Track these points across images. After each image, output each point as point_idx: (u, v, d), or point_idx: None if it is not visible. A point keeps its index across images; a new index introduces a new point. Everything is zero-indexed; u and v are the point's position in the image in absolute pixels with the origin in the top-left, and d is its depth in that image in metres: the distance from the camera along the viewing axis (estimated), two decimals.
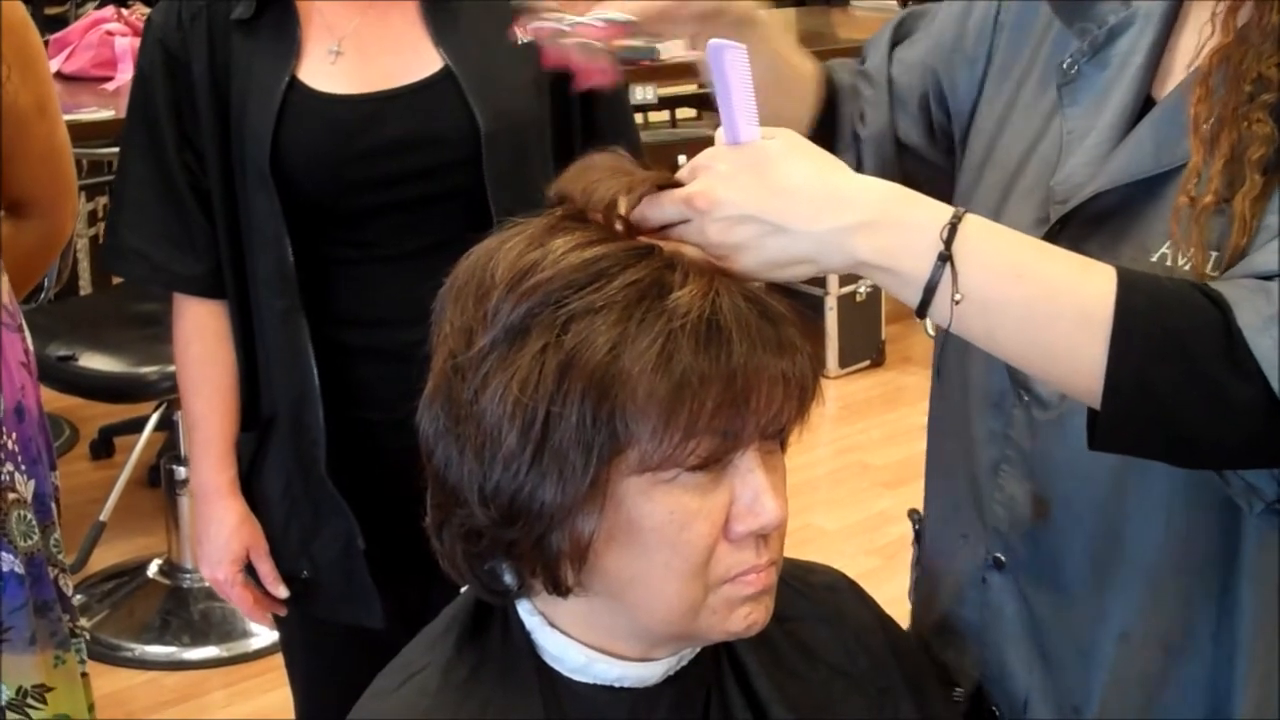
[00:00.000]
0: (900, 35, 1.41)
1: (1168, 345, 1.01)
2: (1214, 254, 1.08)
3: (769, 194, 1.04)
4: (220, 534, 1.84)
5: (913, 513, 1.47)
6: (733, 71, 1.05)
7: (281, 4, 1.72)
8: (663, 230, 1.08)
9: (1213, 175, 1.09)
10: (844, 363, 4.94)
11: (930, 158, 1.38)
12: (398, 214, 1.74)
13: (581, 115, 1.85)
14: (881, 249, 1.03)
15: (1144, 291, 1.03)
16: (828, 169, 1.06)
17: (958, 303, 1.02)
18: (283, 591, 1.85)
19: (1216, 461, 1.09)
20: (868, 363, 5.00)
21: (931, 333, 1.28)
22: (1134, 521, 1.20)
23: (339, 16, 1.74)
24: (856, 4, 6.82)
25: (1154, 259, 1.13)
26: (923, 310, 1.03)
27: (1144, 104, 1.19)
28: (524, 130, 1.76)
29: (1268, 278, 1.03)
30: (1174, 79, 1.19)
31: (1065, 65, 1.24)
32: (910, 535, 1.47)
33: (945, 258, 1.01)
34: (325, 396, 1.75)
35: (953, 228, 1.02)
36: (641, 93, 4.89)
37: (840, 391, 4.79)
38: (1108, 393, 1.02)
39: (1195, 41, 1.17)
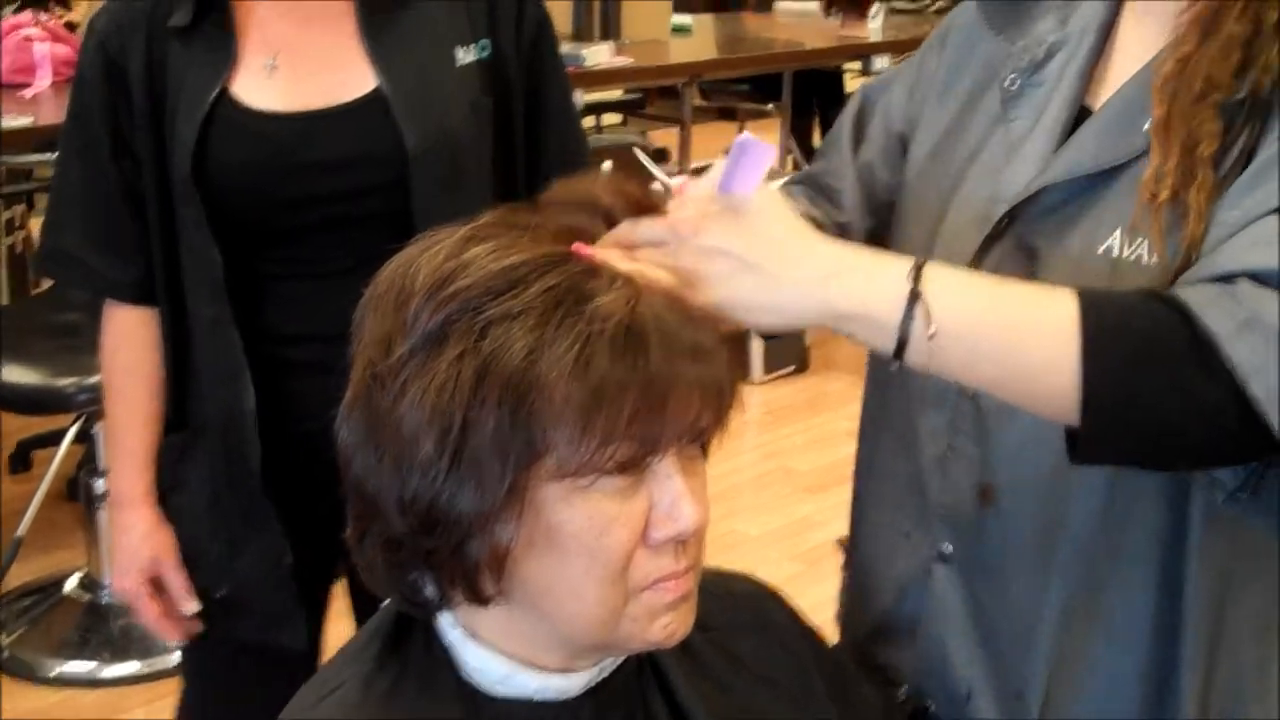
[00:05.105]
0: (860, 130, 1.45)
1: (1138, 353, 1.06)
2: (1164, 242, 1.14)
3: (752, 236, 1.10)
4: (130, 542, 1.81)
5: (841, 542, 1.48)
6: (752, 158, 1.11)
7: (220, 13, 1.69)
8: (630, 250, 1.11)
9: (1168, 171, 1.14)
10: (769, 368, 4.96)
11: None
12: (325, 233, 1.72)
13: (527, 139, 1.82)
14: (853, 295, 1.09)
15: (1107, 305, 1.08)
16: (806, 229, 1.13)
17: (932, 337, 1.06)
18: (191, 606, 1.82)
19: (1192, 463, 1.14)
20: (792, 368, 5.03)
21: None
22: (1075, 503, 1.23)
23: (276, 29, 1.71)
24: (780, 7, 6.88)
25: (1100, 250, 1.18)
26: (900, 351, 1.08)
27: (1078, 111, 1.26)
28: (457, 154, 1.72)
29: (1227, 278, 1.07)
30: (1108, 87, 1.25)
31: (1008, 84, 1.31)
32: (832, 542, 1.48)
33: (916, 295, 1.07)
34: (263, 408, 1.73)
35: (918, 269, 1.08)
36: None
37: (765, 397, 4.81)
38: (1086, 407, 1.06)
39: (1129, 52, 1.24)
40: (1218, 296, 1.06)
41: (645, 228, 1.12)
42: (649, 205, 1.15)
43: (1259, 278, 1.06)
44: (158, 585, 1.83)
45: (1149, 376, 1.05)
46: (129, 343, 1.81)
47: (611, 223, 1.14)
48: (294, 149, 1.69)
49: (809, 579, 3.26)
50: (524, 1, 1.80)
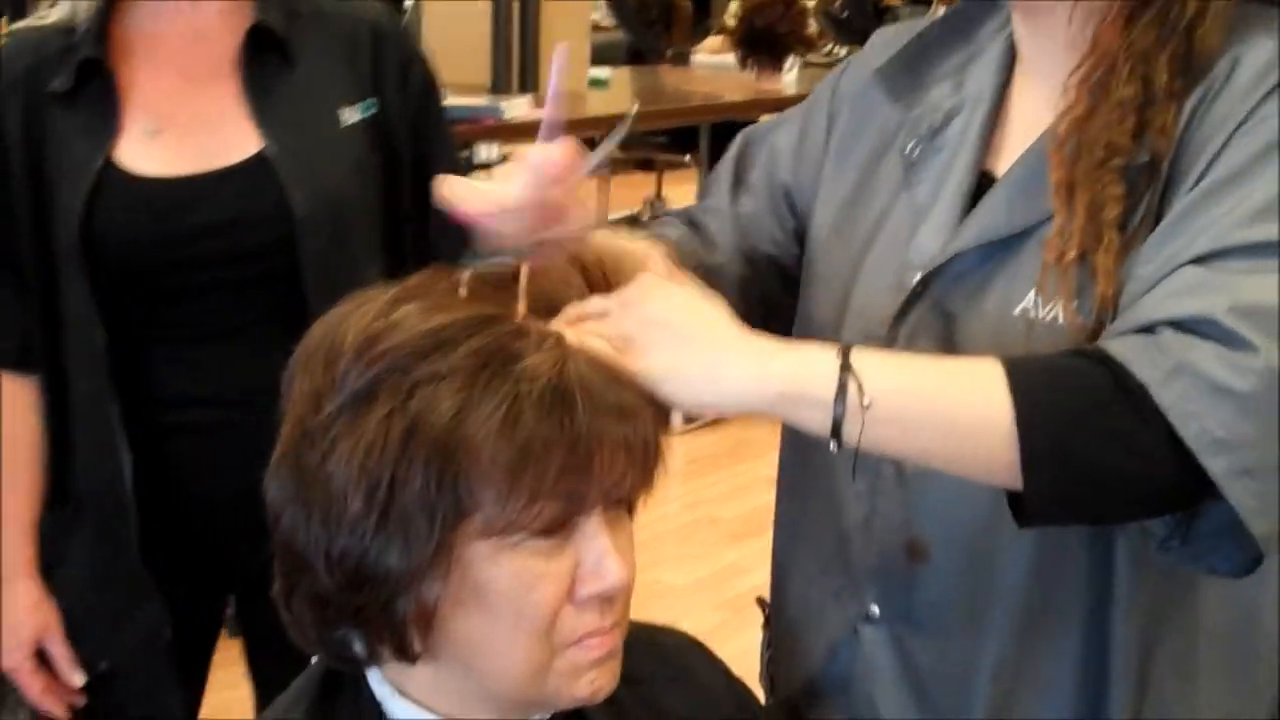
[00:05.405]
0: (740, 177, 1.46)
1: (1070, 407, 1.07)
2: (1075, 302, 1.16)
3: (692, 313, 1.12)
4: (14, 616, 1.77)
5: (761, 601, 1.49)
6: None
7: (101, 79, 1.67)
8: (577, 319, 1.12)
9: (1074, 232, 1.16)
10: (689, 417, 4.96)
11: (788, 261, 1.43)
12: (213, 296, 1.70)
13: (414, 197, 1.81)
14: (788, 374, 1.09)
15: (1033, 364, 1.10)
16: (740, 324, 1.14)
17: (868, 407, 1.07)
18: (77, 679, 1.79)
19: (1133, 513, 1.14)
20: (712, 417, 5.04)
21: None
22: (1004, 557, 1.24)
23: (159, 93, 1.70)
24: (697, 60, 6.93)
25: (1016, 312, 1.20)
26: (837, 428, 1.08)
27: (979, 177, 1.28)
28: (344, 214, 1.72)
29: (1150, 329, 1.09)
30: (1007, 150, 1.28)
31: (908, 151, 1.33)
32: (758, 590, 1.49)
33: (847, 367, 1.08)
34: (144, 476, 1.70)
35: (845, 350, 1.09)
36: (485, 151, 4.89)
37: (687, 447, 4.82)
38: (1027, 466, 1.07)
39: (1024, 116, 1.27)
40: (1144, 346, 1.08)
41: (594, 302, 1.13)
42: (603, 286, 1.16)
43: (1181, 326, 1.08)
44: (42, 659, 1.79)
45: (1084, 429, 1.07)
46: (5, 411, 1.76)
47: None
48: (179, 213, 1.67)
49: (734, 627, 3.26)
50: (410, 60, 1.81)
